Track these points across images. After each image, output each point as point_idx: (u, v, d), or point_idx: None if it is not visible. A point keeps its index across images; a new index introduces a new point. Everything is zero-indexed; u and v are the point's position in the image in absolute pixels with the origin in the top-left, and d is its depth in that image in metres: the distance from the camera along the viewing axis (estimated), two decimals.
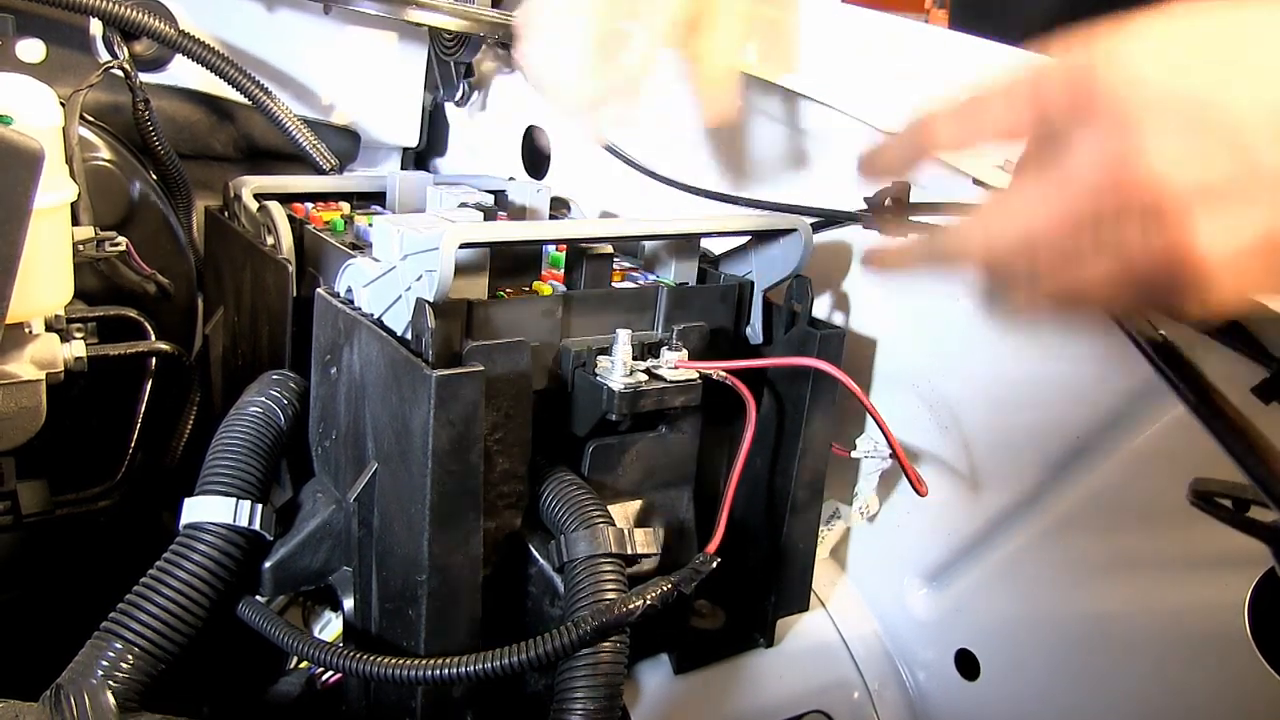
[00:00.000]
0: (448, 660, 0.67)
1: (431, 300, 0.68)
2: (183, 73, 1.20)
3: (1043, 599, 0.84)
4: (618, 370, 0.75)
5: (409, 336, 0.71)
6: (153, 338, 1.06)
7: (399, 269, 0.72)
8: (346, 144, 1.36)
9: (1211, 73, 0.42)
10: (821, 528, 0.95)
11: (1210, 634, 0.72)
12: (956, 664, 0.93)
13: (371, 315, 0.75)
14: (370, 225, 0.89)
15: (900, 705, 0.97)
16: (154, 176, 1.14)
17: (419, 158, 1.51)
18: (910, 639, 0.98)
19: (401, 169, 1.48)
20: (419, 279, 0.70)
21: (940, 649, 0.94)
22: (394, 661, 0.67)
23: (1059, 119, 0.46)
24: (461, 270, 0.71)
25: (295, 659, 0.87)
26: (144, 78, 1.12)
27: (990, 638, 0.90)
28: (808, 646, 0.98)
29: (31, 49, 1.09)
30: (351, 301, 0.78)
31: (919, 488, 0.77)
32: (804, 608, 0.95)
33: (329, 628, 0.91)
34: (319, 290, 0.80)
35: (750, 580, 0.93)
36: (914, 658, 0.98)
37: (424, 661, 0.67)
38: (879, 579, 1.01)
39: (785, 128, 0.98)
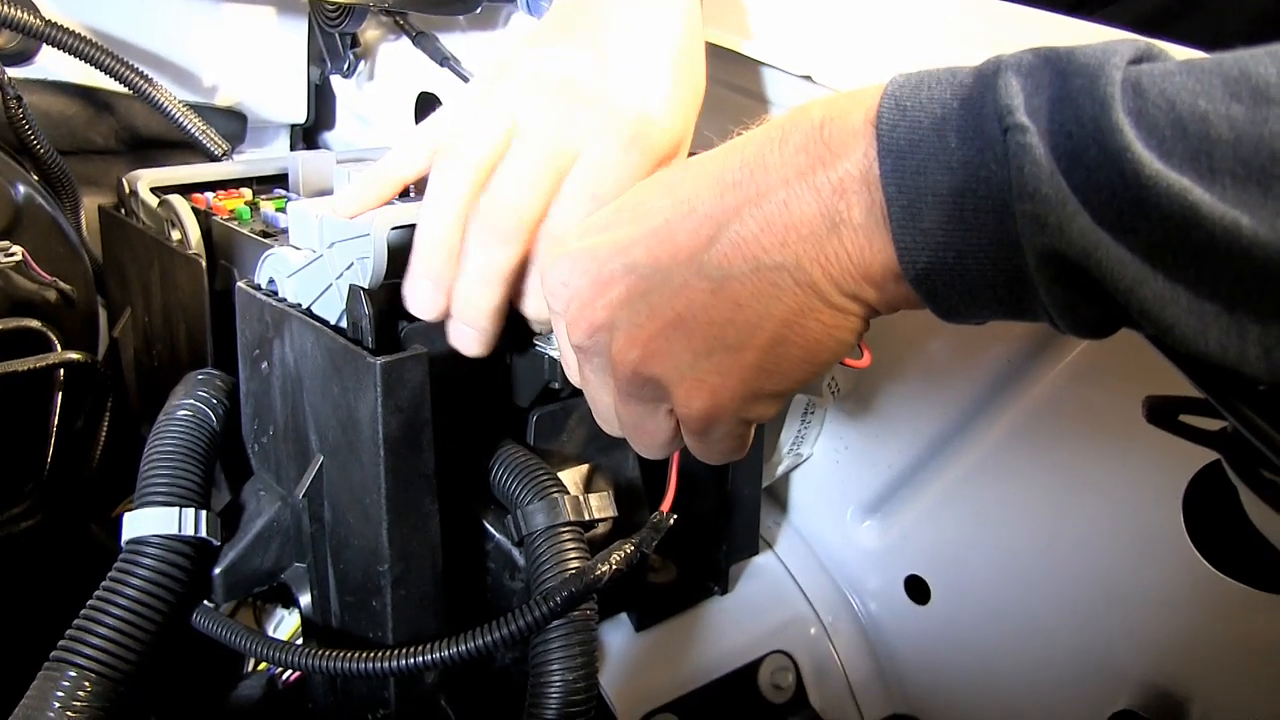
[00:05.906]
0: (421, 647, 0.66)
1: (367, 287, 0.67)
2: (53, 64, 1.13)
3: (987, 518, 0.87)
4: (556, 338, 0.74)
5: (344, 325, 0.69)
6: (59, 348, 1.01)
7: (326, 257, 0.70)
8: (233, 126, 1.31)
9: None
10: (800, 426, 0.96)
11: (1150, 534, 0.76)
12: (907, 590, 0.95)
13: (299, 306, 0.73)
14: (281, 211, 0.86)
15: (855, 635, 0.99)
16: (36, 177, 1.08)
17: (307, 134, 1.47)
18: (859, 570, 1.00)
19: (291, 147, 1.43)
20: (349, 266, 0.68)
21: (889, 577, 0.97)
22: (366, 655, 0.66)
23: None
24: (392, 252, 0.69)
25: (253, 661, 0.86)
26: (11, 72, 1.06)
27: (938, 561, 0.93)
28: (760, 589, 0.99)
29: None
30: (275, 293, 0.75)
31: (864, 352, 0.69)
32: (754, 552, 0.97)
33: (283, 625, 0.89)
34: (240, 284, 0.77)
35: (700, 530, 0.94)
36: (864, 588, 1.00)
37: (397, 651, 0.66)
38: (822, 515, 1.03)
39: (778, 110, 0.96)
